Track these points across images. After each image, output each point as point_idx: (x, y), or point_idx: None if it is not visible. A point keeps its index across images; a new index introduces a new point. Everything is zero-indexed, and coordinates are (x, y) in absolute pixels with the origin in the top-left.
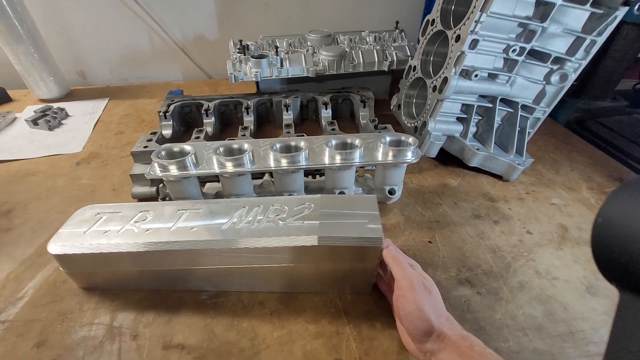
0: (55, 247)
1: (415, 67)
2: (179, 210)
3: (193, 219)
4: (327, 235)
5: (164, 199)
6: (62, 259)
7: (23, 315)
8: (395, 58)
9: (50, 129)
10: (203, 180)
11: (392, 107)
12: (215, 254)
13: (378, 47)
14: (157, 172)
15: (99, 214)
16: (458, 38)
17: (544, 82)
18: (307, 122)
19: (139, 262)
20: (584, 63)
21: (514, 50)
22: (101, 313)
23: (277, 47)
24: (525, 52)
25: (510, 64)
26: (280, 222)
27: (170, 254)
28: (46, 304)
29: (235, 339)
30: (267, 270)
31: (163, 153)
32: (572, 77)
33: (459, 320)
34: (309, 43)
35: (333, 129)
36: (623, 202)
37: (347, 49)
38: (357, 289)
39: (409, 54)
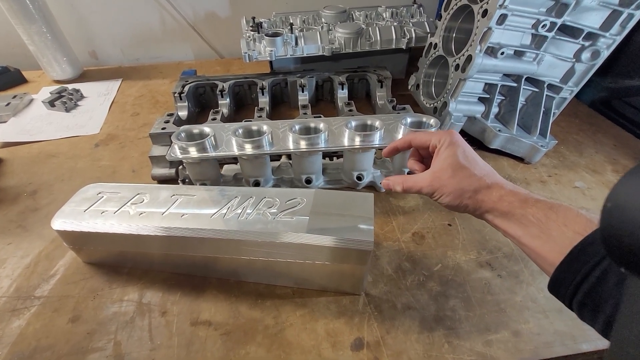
0: (57, 222)
1: (436, 44)
2: (173, 195)
3: (185, 205)
4: (314, 233)
5: (183, 181)
6: (63, 234)
7: (56, 291)
8: (413, 35)
9: (67, 110)
10: (221, 162)
11: (409, 87)
12: (200, 243)
13: (395, 24)
14: (177, 154)
15: (100, 193)
16: (485, 13)
17: (574, 60)
18: (322, 103)
19: (132, 244)
20: (619, 39)
21: (543, 26)
22: (129, 291)
23: (291, 25)
24: (556, 28)
25: (538, 41)
26: (269, 215)
27: (160, 239)
28: (77, 281)
29: (259, 317)
30: (254, 263)
31: (183, 135)
32: (605, 55)
33: (479, 302)
34: (323, 20)
35: (350, 110)
36: (633, 186)
37: (363, 26)
38: (347, 290)
39: (428, 31)
